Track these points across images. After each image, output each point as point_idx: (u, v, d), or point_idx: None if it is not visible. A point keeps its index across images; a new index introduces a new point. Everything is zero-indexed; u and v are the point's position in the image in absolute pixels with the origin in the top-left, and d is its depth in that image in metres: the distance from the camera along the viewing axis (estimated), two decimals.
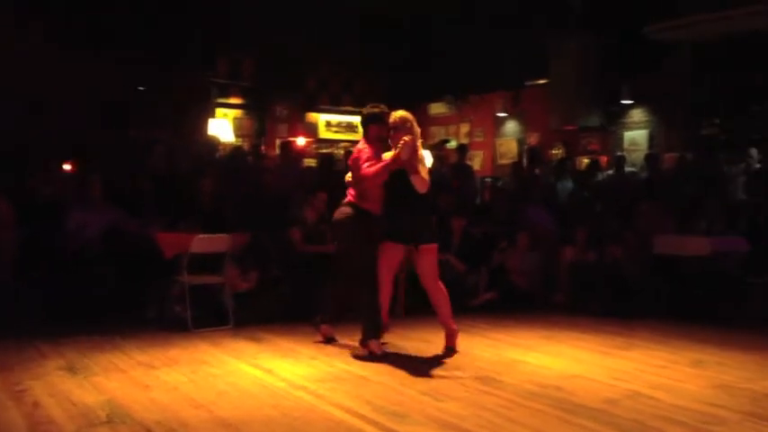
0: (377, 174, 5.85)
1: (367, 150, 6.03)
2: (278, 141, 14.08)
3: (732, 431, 4.22)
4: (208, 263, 7.42)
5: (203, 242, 7.27)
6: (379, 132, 6.11)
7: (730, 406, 4.73)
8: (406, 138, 5.75)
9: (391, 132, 6.05)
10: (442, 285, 6.25)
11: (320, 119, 16.12)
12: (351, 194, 6.15)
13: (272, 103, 15.40)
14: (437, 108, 16.11)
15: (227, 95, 14.98)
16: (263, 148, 14.27)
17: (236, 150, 11.73)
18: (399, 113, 6.11)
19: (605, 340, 6.95)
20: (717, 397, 4.95)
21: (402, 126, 6.01)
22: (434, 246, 6.16)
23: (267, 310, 7.63)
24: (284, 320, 7.48)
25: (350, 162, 6.21)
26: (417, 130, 6.08)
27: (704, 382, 5.36)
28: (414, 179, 5.88)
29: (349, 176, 6.24)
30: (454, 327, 6.38)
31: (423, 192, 5.96)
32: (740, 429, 4.26)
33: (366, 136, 6.19)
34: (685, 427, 4.27)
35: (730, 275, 8.19)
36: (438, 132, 16.16)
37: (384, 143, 6.09)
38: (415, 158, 5.87)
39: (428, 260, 6.12)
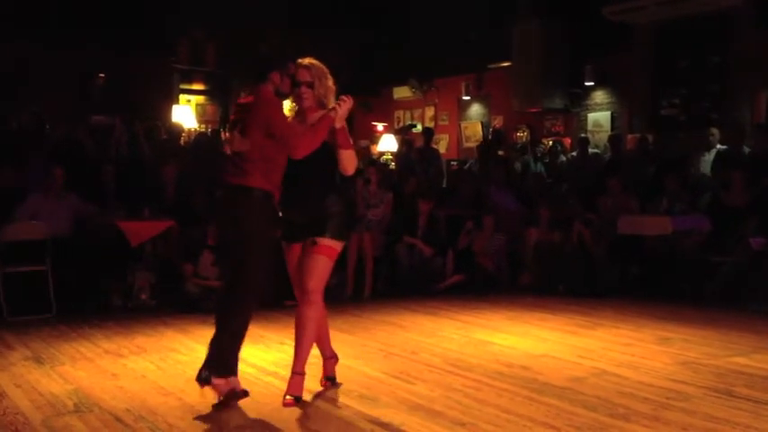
0: (316, 140, 4.22)
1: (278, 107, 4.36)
2: None
3: (696, 407, 4.29)
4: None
5: (16, 230, 7.16)
6: (280, 85, 4.37)
7: (694, 382, 4.82)
8: (344, 97, 4.31)
9: (302, 88, 4.38)
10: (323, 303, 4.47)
11: (285, 104, 16.02)
12: (247, 172, 4.20)
13: (235, 89, 15.28)
14: (402, 92, 16.10)
15: (189, 81, 14.85)
16: (226, 134, 14.18)
17: (199, 137, 11.64)
18: (311, 60, 4.44)
19: (571, 320, 7.04)
20: (681, 373, 5.04)
21: (321, 80, 4.40)
22: (338, 245, 4.36)
23: None
24: None
25: (252, 123, 4.25)
26: (333, 87, 4.48)
27: (669, 358, 5.46)
28: (346, 156, 4.35)
29: (238, 142, 4.30)
30: (333, 352, 4.77)
31: (351, 174, 4.48)
32: (704, 404, 4.34)
33: (262, 88, 4.36)
34: (650, 404, 4.34)
35: (692, 254, 8.32)
36: (403, 116, 16.18)
37: (280, 100, 4.45)
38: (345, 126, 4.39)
39: (322, 262, 4.30)
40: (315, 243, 4.29)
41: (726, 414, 4.16)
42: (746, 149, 9.52)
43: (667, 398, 4.46)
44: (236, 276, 4.26)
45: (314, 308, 4.35)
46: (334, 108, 4.29)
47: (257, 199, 4.20)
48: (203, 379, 4.20)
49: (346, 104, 4.31)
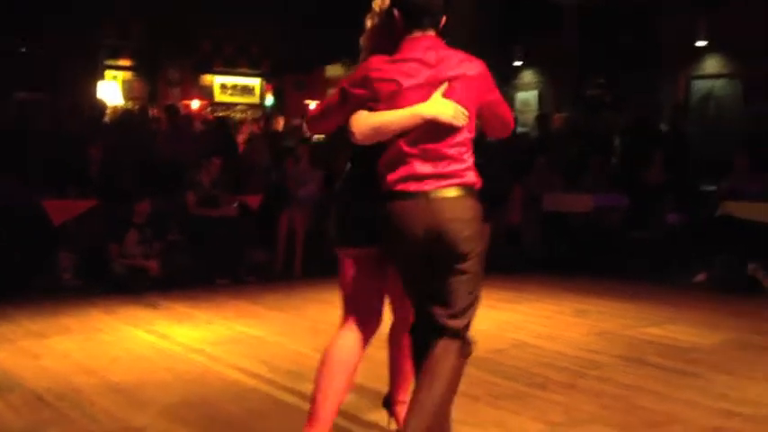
0: None
1: None
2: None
3: (606, 374, 4.48)
4: None
5: None
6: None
7: (607, 351, 5.02)
8: None
9: None
10: None
11: (215, 81, 15.83)
12: (466, 163, 3.10)
13: (163, 66, 15.02)
14: (333, 70, 16.06)
15: (116, 57, 14.52)
16: (154, 111, 13.93)
17: (125, 114, 11.44)
18: None
19: (496, 294, 7.15)
20: (596, 343, 5.24)
21: None
22: None
23: (164, 277, 7.53)
24: (181, 286, 7.42)
25: (470, 92, 3.06)
26: None
27: (585, 330, 5.66)
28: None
29: (458, 116, 2.96)
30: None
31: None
32: (613, 372, 4.53)
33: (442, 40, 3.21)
34: (566, 372, 4.52)
35: (612, 230, 8.58)
36: None
37: None
38: None
39: None
40: None
41: (637, 381, 4.35)
42: (663, 128, 9.84)
43: (581, 366, 4.64)
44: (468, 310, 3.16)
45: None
46: None
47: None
48: None
49: None
